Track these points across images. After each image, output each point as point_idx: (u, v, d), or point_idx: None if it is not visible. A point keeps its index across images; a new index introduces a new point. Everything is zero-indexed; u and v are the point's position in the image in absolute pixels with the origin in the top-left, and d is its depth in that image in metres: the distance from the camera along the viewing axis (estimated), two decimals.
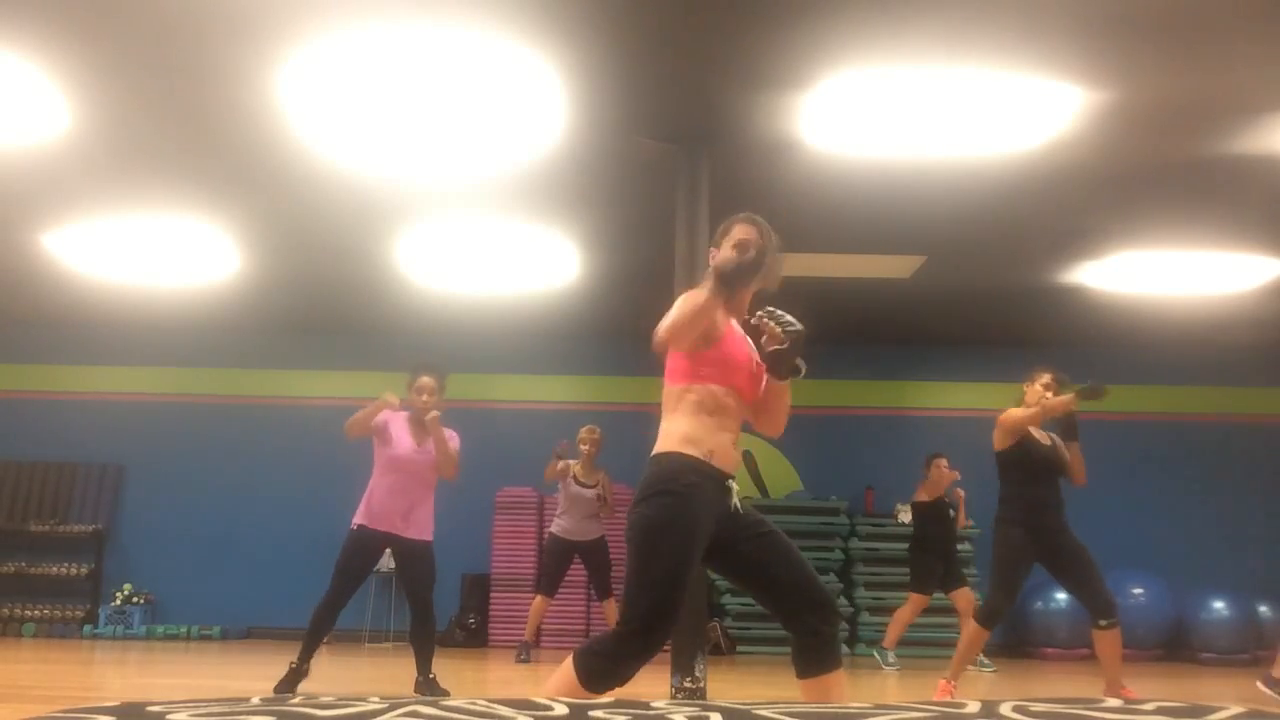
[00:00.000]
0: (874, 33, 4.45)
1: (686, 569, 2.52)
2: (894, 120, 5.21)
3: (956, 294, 8.06)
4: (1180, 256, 7.07)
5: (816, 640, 2.57)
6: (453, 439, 4.98)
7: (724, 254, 2.76)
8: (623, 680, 2.53)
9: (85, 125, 5.39)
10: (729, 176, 5.66)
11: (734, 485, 2.66)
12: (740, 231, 2.79)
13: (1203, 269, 7.25)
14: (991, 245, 7.01)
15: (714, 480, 2.60)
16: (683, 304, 2.60)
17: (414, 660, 4.98)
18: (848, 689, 2.62)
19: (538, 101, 5.05)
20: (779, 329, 2.61)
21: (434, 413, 4.86)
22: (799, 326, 2.62)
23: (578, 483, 7.21)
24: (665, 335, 2.57)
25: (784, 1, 4.25)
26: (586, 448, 7.24)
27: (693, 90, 5.07)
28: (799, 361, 2.66)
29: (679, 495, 2.53)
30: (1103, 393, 4.80)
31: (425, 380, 4.95)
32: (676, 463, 2.57)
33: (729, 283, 2.57)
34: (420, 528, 4.94)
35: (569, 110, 5.16)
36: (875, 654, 7.27)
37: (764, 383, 2.76)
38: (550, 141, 5.49)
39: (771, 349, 2.66)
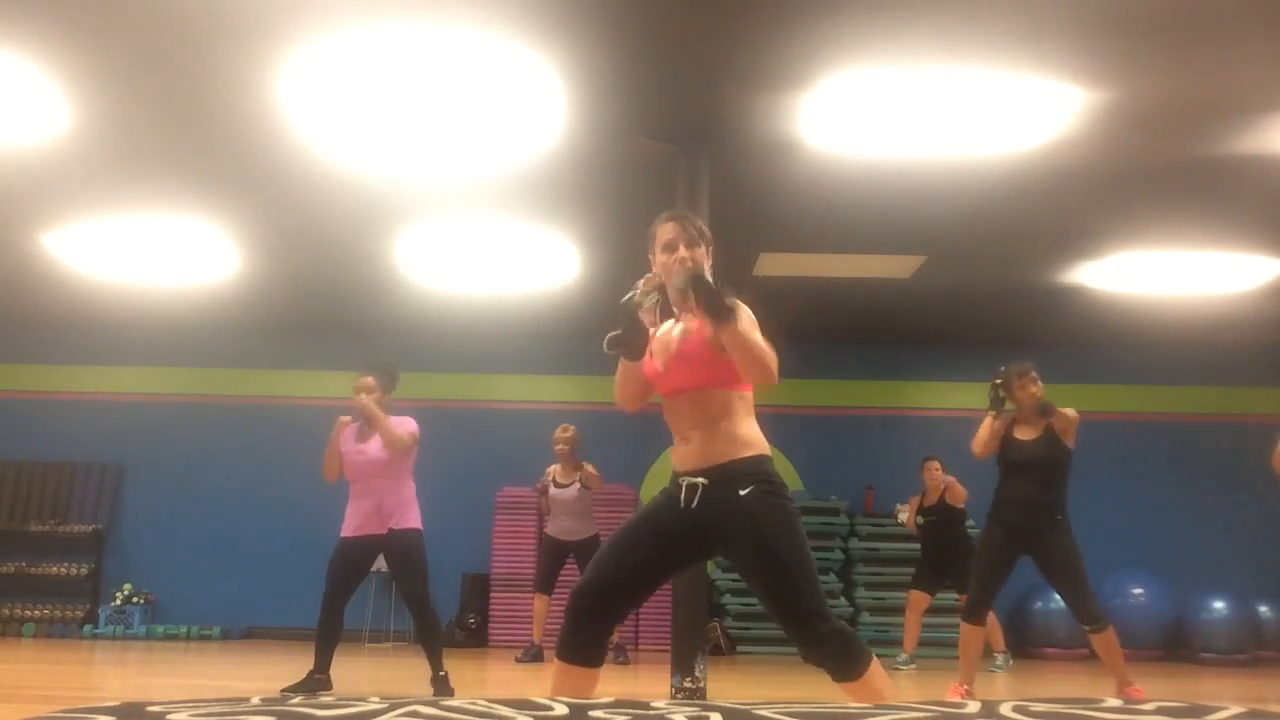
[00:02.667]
0: (874, 33, 4.45)
1: (610, 547, 2.64)
2: (894, 120, 5.20)
3: (956, 294, 8.06)
4: (1180, 256, 7.07)
5: (809, 660, 2.57)
6: (404, 423, 5.04)
7: (671, 261, 2.69)
8: (564, 647, 2.57)
9: (85, 125, 5.38)
10: (729, 176, 5.66)
11: (686, 481, 2.60)
12: (665, 232, 2.73)
13: (1203, 269, 7.25)
14: (991, 245, 7.01)
15: (673, 481, 2.68)
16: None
17: (425, 660, 5.04)
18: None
19: (538, 101, 5.05)
20: (679, 288, 2.55)
21: (361, 396, 4.98)
22: (688, 273, 2.53)
23: (556, 485, 7.19)
24: (620, 408, 2.84)
25: (784, 1, 4.25)
26: (560, 448, 7.20)
27: (693, 90, 5.07)
28: (726, 300, 2.47)
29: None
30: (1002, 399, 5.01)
31: (364, 380, 5.07)
32: None
33: (619, 351, 2.65)
34: (397, 518, 4.97)
35: (569, 110, 5.16)
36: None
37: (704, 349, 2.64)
38: (550, 142, 5.49)
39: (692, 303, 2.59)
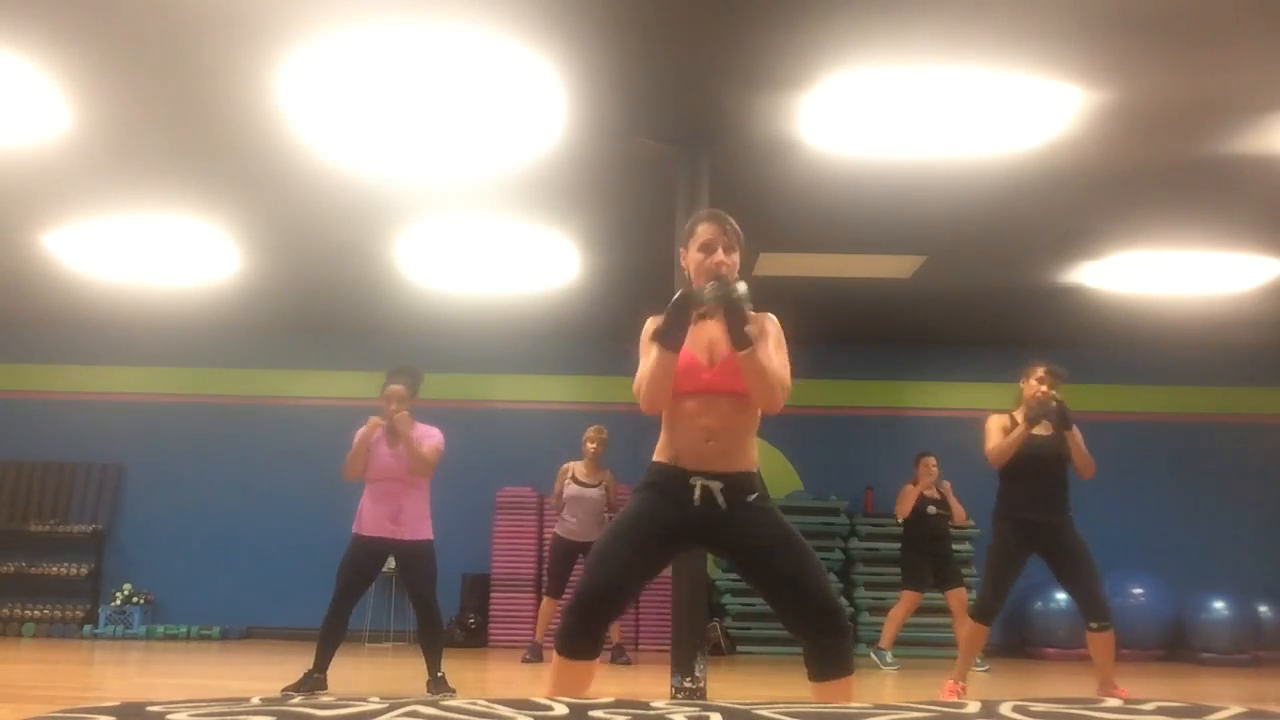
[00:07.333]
0: (874, 33, 4.45)
1: (617, 547, 2.62)
2: (894, 120, 5.20)
3: (956, 294, 8.06)
4: (1180, 256, 7.07)
5: (818, 650, 2.60)
6: (431, 436, 5.07)
7: (699, 267, 2.76)
8: (568, 645, 2.58)
9: (85, 125, 5.38)
10: (729, 176, 5.66)
11: (700, 481, 2.61)
12: (705, 232, 2.80)
13: (1203, 269, 7.25)
14: (991, 245, 7.01)
15: (674, 478, 2.66)
16: (643, 360, 2.67)
17: (423, 660, 5.05)
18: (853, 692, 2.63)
19: (538, 101, 5.05)
20: (717, 298, 2.57)
21: (402, 413, 4.97)
22: (723, 294, 2.54)
23: (577, 482, 7.20)
24: (644, 408, 2.68)
25: (784, 1, 4.25)
26: (593, 447, 7.23)
27: (693, 90, 5.07)
28: (745, 330, 2.54)
29: (637, 492, 2.74)
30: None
31: (394, 389, 5.05)
32: (649, 468, 2.75)
33: (666, 342, 2.58)
34: (413, 528, 4.98)
35: (569, 110, 5.16)
36: (873, 654, 7.26)
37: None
38: (550, 142, 5.49)
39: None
